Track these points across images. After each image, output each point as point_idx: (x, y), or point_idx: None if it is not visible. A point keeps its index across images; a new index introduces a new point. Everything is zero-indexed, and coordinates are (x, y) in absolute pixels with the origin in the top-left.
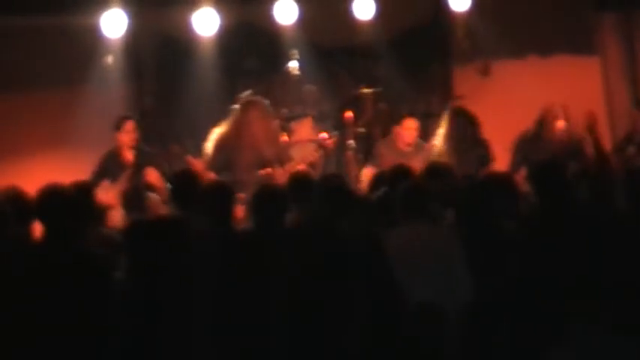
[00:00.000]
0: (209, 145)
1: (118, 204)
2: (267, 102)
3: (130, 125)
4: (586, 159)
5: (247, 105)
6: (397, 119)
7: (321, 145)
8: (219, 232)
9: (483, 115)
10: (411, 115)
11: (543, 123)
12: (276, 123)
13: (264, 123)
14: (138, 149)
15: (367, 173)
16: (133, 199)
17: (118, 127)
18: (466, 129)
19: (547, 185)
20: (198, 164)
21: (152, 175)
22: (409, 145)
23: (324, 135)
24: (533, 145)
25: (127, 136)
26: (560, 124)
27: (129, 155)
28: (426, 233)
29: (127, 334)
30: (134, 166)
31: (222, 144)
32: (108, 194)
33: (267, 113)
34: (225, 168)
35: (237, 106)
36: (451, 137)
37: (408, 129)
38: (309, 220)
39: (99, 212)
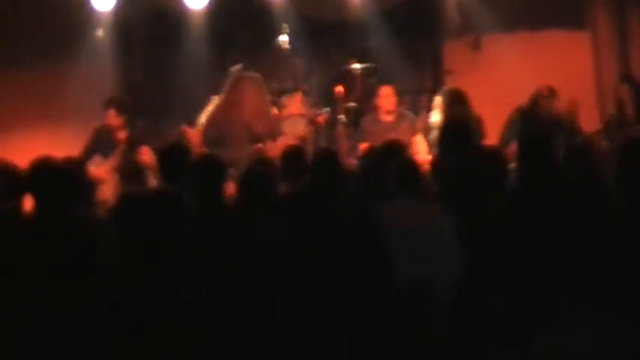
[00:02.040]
0: (202, 119)
1: (110, 179)
2: (259, 76)
3: (112, 112)
4: (576, 136)
5: (240, 79)
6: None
7: (311, 120)
8: (209, 207)
9: (474, 89)
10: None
11: (535, 102)
12: (267, 98)
13: (256, 98)
14: (130, 125)
15: (362, 149)
16: (130, 173)
17: (105, 108)
18: (460, 110)
19: (534, 159)
20: (192, 134)
21: (145, 154)
22: (389, 112)
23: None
24: (525, 122)
25: (114, 119)
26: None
27: (121, 133)
28: (418, 209)
29: (117, 305)
30: (127, 142)
31: (214, 119)
32: (100, 169)
33: (259, 88)
34: (217, 143)
35: (229, 81)
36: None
37: (385, 96)
38: (301, 193)
39: (89, 187)
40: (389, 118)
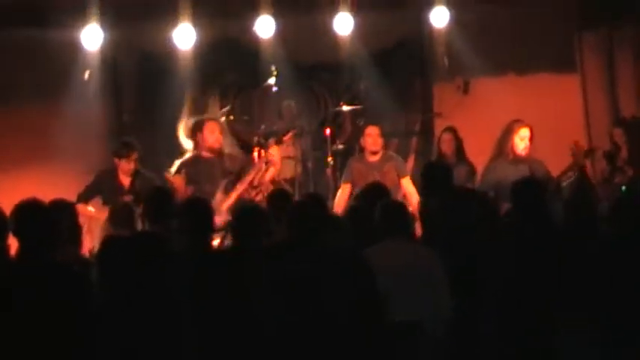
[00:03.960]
0: (172, 170)
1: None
2: (229, 117)
3: (134, 155)
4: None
5: (201, 122)
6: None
7: (278, 139)
8: (198, 250)
9: (463, 132)
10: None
11: (502, 140)
12: (228, 140)
13: (220, 138)
14: (136, 174)
15: (344, 189)
16: (120, 216)
17: (121, 155)
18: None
19: (526, 201)
20: (176, 180)
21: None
22: (375, 152)
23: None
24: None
25: (129, 165)
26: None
27: (126, 180)
28: (405, 251)
29: (102, 348)
30: (133, 192)
31: (184, 161)
32: (98, 213)
33: (222, 129)
34: (189, 183)
35: (193, 124)
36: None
37: (369, 136)
38: (289, 238)
39: (75, 229)
40: (374, 158)
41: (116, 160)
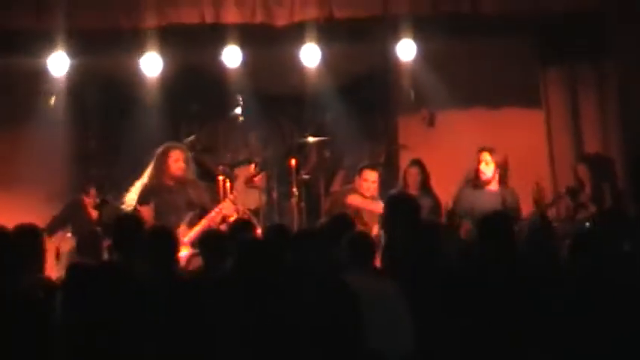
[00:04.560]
0: (132, 196)
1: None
2: (195, 146)
3: (92, 191)
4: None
5: (165, 150)
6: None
7: (248, 179)
8: (162, 279)
9: (428, 165)
10: (372, 167)
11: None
12: (193, 168)
13: (184, 166)
14: (103, 205)
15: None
16: (88, 243)
17: (82, 190)
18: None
19: (494, 234)
20: (144, 211)
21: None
22: (371, 197)
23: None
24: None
25: (89, 200)
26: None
27: (93, 212)
28: (369, 282)
29: None
30: (101, 224)
31: (145, 191)
32: (65, 244)
33: (186, 157)
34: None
35: (157, 152)
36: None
37: (366, 180)
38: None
39: (39, 256)
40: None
41: (80, 194)
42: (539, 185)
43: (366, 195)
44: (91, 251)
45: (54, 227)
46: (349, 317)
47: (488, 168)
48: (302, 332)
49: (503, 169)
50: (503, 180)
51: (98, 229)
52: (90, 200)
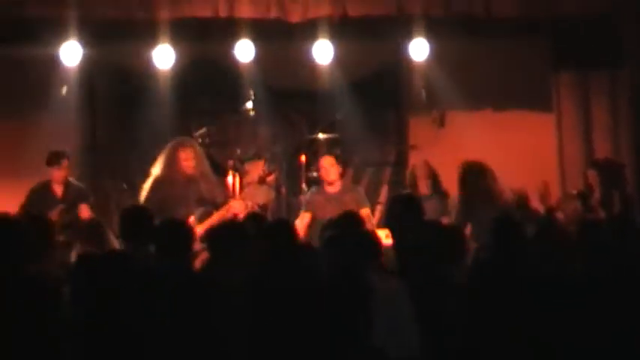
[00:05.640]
0: (145, 186)
1: None
2: (205, 139)
3: (65, 162)
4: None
5: (175, 147)
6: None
7: (261, 178)
8: (172, 270)
9: (436, 165)
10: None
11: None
12: (206, 162)
13: (193, 164)
14: (67, 184)
15: (303, 217)
16: (92, 232)
17: (52, 162)
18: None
19: (504, 239)
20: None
21: (85, 212)
22: (331, 183)
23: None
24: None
25: (61, 172)
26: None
27: (59, 189)
28: (378, 282)
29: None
30: (65, 201)
31: (155, 184)
32: None
33: (196, 153)
34: (160, 206)
35: (168, 146)
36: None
37: (323, 167)
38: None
39: (49, 243)
40: (333, 189)
41: (49, 169)
42: (545, 183)
43: (328, 179)
44: (93, 239)
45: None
46: (361, 311)
47: None
48: (310, 321)
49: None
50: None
51: (61, 206)
52: (58, 173)
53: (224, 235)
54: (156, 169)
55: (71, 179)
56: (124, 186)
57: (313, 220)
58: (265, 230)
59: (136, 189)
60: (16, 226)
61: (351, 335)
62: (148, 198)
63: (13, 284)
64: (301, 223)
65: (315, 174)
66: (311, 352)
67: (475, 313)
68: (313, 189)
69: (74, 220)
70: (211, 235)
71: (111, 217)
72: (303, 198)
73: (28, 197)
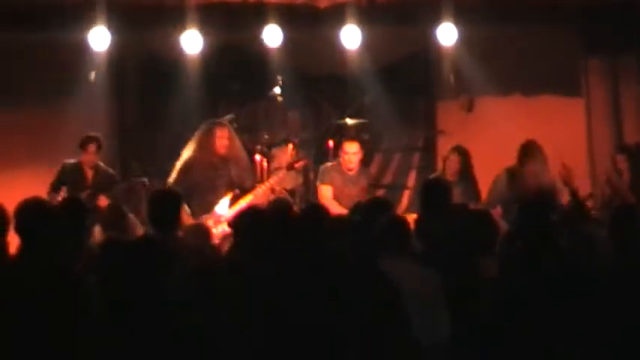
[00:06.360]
0: (175, 169)
1: None
2: (233, 124)
3: (92, 147)
4: (559, 202)
5: (211, 126)
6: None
7: (289, 165)
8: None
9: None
10: (353, 139)
11: (520, 161)
12: (239, 144)
13: (227, 143)
14: (97, 169)
15: (326, 190)
16: (111, 218)
17: (81, 146)
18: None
19: (533, 226)
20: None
21: (102, 202)
22: (350, 170)
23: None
24: (510, 184)
25: (88, 157)
26: (536, 164)
27: (89, 173)
28: (410, 270)
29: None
30: (93, 186)
31: (186, 166)
32: None
33: (231, 135)
34: (190, 189)
35: (201, 128)
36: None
37: (347, 153)
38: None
39: (81, 230)
40: (351, 172)
41: (79, 153)
42: (566, 166)
43: (349, 167)
44: (115, 225)
45: (56, 186)
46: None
47: None
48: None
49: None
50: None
51: (88, 190)
52: (86, 157)
53: (249, 221)
54: (187, 151)
55: (101, 164)
56: (153, 171)
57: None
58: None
59: (165, 173)
60: (49, 210)
61: (388, 323)
62: (177, 181)
63: (42, 273)
64: (327, 196)
65: None
66: (343, 342)
67: (505, 301)
68: (329, 164)
69: (95, 207)
70: (237, 220)
71: (140, 203)
72: (321, 171)
73: (59, 174)
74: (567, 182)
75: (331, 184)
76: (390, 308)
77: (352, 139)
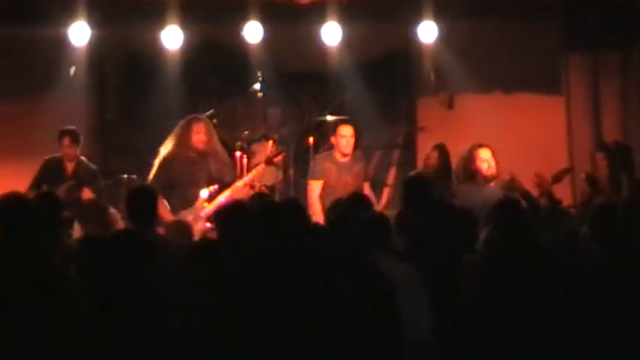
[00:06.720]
0: (154, 165)
1: None
2: (213, 120)
3: (66, 140)
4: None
5: (189, 121)
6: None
7: (268, 159)
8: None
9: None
10: (347, 122)
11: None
12: (217, 139)
13: (205, 138)
14: (79, 163)
15: (315, 186)
16: (91, 212)
17: (58, 139)
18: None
19: (509, 224)
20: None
21: (87, 194)
22: (346, 155)
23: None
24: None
25: (65, 150)
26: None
27: (69, 167)
28: (391, 265)
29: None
30: (74, 179)
31: (165, 161)
32: None
33: (209, 129)
34: (169, 185)
35: (180, 124)
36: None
37: (343, 136)
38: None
39: (59, 224)
40: (344, 159)
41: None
42: (538, 174)
43: (346, 151)
44: (91, 219)
45: (36, 186)
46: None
47: (485, 164)
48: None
49: None
50: None
51: (71, 183)
52: (64, 150)
53: (231, 215)
54: (166, 148)
55: (83, 159)
56: (133, 166)
57: (325, 188)
58: (276, 211)
59: (145, 169)
60: (27, 205)
61: (384, 318)
62: (156, 177)
63: (21, 268)
64: (314, 194)
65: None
66: (333, 337)
67: (486, 295)
68: (320, 155)
69: (78, 199)
70: (218, 215)
71: (119, 198)
72: (312, 165)
73: (40, 169)
74: (542, 189)
75: (324, 177)
76: (387, 302)
77: (347, 122)
